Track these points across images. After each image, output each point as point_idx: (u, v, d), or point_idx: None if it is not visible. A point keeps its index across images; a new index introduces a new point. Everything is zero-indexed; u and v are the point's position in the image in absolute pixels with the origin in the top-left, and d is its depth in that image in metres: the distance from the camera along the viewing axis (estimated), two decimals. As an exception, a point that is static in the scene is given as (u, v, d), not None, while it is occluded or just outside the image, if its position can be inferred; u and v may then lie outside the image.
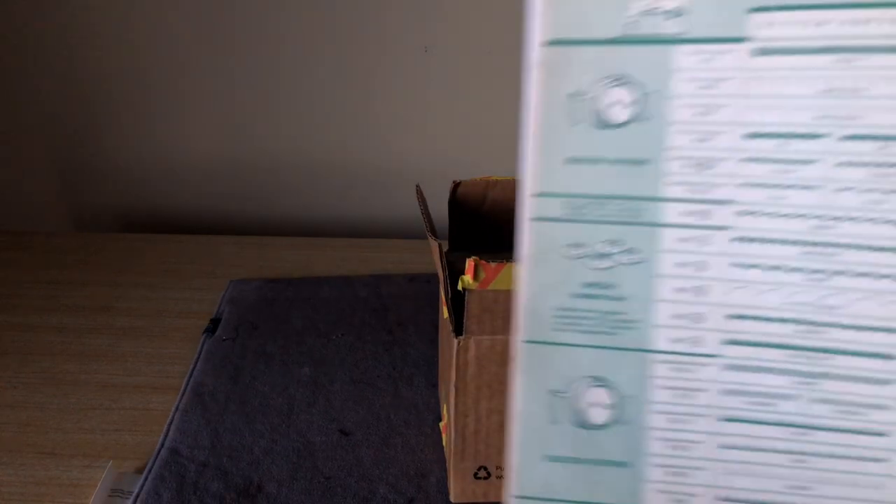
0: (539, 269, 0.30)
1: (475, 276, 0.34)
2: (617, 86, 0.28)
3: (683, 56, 0.27)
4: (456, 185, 0.43)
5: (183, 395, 0.47)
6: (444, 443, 0.43)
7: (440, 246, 0.36)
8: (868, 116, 0.26)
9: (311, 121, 0.73)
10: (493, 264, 0.34)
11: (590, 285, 0.29)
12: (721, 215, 0.28)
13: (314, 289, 0.60)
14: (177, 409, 0.46)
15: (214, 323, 0.55)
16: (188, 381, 0.49)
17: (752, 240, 0.28)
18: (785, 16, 0.26)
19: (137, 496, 0.39)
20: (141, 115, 0.75)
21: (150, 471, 0.41)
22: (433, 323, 0.55)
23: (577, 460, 0.30)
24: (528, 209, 0.29)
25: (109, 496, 0.40)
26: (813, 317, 0.28)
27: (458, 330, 0.35)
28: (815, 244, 0.27)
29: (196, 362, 0.51)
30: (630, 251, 0.29)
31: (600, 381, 0.30)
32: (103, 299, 0.60)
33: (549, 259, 0.29)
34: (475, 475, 0.39)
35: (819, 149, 0.27)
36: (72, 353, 0.53)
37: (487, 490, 0.39)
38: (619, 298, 0.29)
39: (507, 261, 0.34)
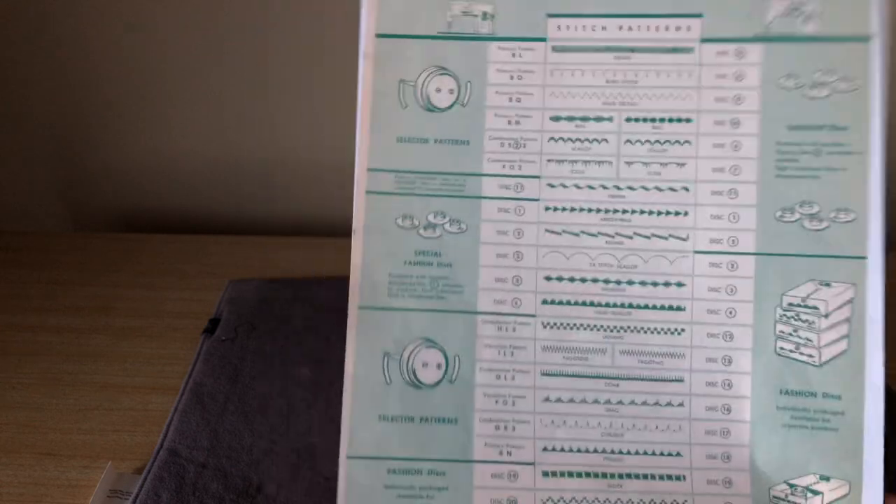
0: (374, 239, 0.33)
1: None
2: (441, 74, 0.33)
3: (496, 51, 0.33)
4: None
5: (182, 395, 0.47)
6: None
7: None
8: (642, 103, 0.32)
9: (310, 120, 0.73)
10: None
11: (420, 253, 0.33)
12: (533, 188, 0.33)
13: (314, 289, 0.60)
14: (176, 409, 0.46)
15: (213, 323, 0.55)
16: (187, 381, 0.48)
17: (560, 209, 0.33)
18: (574, 21, 0.33)
19: (136, 497, 0.39)
20: (140, 115, 0.75)
21: (149, 471, 0.41)
22: (433, 323, 0.55)
23: (409, 419, 0.33)
24: (362, 183, 0.33)
25: (108, 497, 0.40)
26: (615, 275, 0.32)
27: None
28: (612, 211, 0.32)
29: (195, 363, 0.50)
30: (455, 221, 0.33)
31: (431, 343, 0.33)
32: (102, 299, 0.60)
33: (383, 229, 0.33)
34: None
35: (608, 129, 0.32)
36: (71, 353, 0.53)
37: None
38: (447, 265, 0.33)
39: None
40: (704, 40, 0.32)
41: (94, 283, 0.62)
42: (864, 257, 0.30)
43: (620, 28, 0.32)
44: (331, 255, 0.67)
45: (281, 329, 0.54)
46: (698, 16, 0.32)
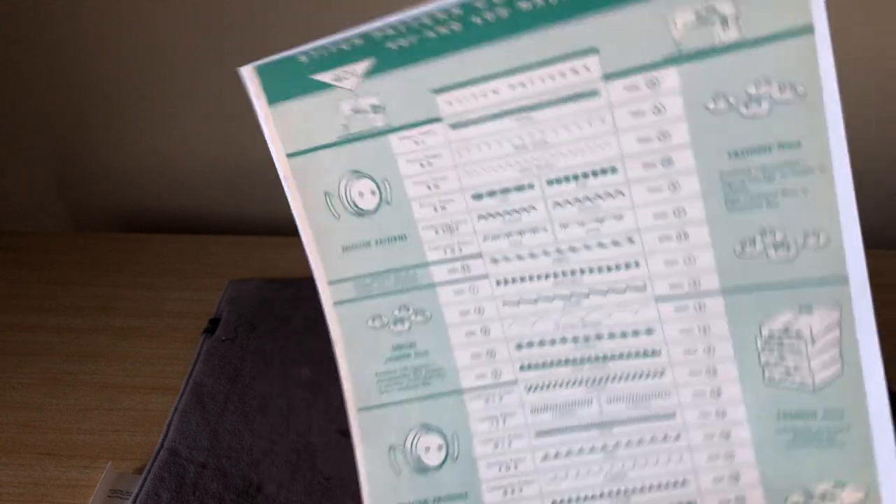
0: (353, 346, 0.34)
1: None
2: (358, 178, 0.32)
3: (398, 142, 0.31)
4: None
5: (182, 395, 0.47)
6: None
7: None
8: (559, 162, 0.30)
9: (310, 121, 0.73)
10: None
11: (397, 348, 0.33)
12: (478, 266, 0.32)
13: (314, 289, 0.60)
14: (176, 409, 0.46)
15: (214, 323, 0.55)
16: (187, 381, 0.48)
17: (510, 281, 0.32)
18: (462, 92, 0.30)
19: (137, 497, 0.39)
20: (140, 115, 0.75)
21: (149, 471, 0.41)
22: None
23: (423, 503, 0.33)
24: (327, 296, 0.34)
25: (108, 497, 0.40)
26: (581, 333, 0.32)
27: None
28: (561, 274, 0.31)
29: (195, 363, 0.50)
30: (419, 311, 0.33)
31: (428, 427, 0.33)
32: (102, 299, 0.60)
33: (358, 335, 0.34)
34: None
35: (532, 196, 0.30)
36: (71, 353, 0.53)
37: (487, 491, 0.39)
38: (424, 353, 0.33)
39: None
40: (607, 77, 0.28)
41: (94, 283, 0.62)
42: (844, 278, 0.28)
43: (513, 87, 0.29)
44: (331, 255, 0.67)
45: (281, 329, 0.54)
46: (594, 51, 0.28)
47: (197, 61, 0.71)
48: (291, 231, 0.84)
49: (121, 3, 0.69)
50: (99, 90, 0.73)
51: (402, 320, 0.33)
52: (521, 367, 0.33)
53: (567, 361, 0.32)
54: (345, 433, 0.45)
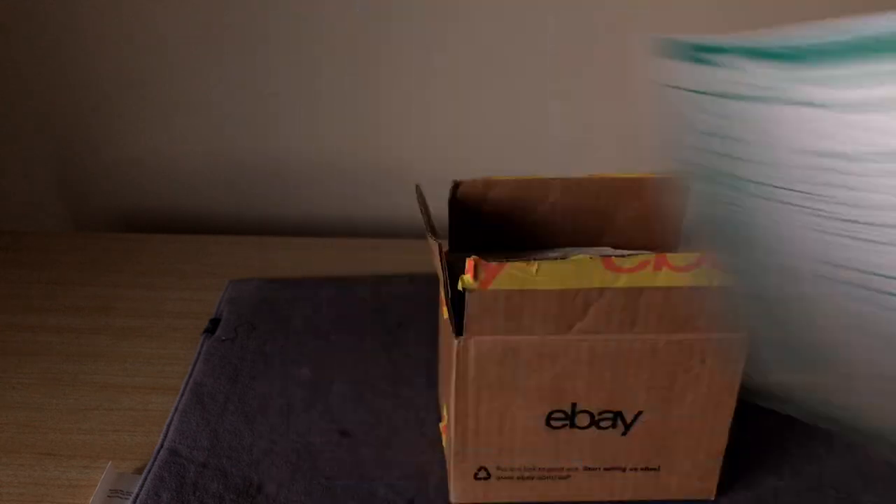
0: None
1: (475, 276, 0.34)
2: None
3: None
4: (456, 185, 0.43)
5: (182, 395, 0.47)
6: (444, 443, 0.43)
7: (440, 246, 0.36)
8: None
9: (310, 121, 0.73)
10: (493, 264, 0.34)
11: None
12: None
13: (314, 289, 0.60)
14: (176, 409, 0.46)
15: (214, 323, 0.55)
16: (187, 381, 0.49)
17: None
18: None
19: (137, 497, 0.39)
20: (140, 115, 0.75)
21: (149, 471, 0.41)
22: (433, 323, 0.55)
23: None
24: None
25: (109, 497, 0.40)
26: None
27: (459, 330, 0.35)
28: None
29: (195, 363, 0.50)
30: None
31: None
32: (103, 299, 0.60)
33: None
34: (475, 476, 0.39)
35: None
36: (71, 353, 0.53)
37: (487, 490, 0.39)
38: None
39: (508, 261, 0.34)
40: None
41: (94, 283, 0.62)
42: None
43: None
44: (331, 255, 0.67)
45: (281, 329, 0.54)
46: None
47: (197, 61, 0.71)
48: (291, 231, 0.84)
49: (121, 3, 0.69)
50: (99, 90, 0.73)
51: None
52: None
53: None
54: (344, 433, 0.45)
